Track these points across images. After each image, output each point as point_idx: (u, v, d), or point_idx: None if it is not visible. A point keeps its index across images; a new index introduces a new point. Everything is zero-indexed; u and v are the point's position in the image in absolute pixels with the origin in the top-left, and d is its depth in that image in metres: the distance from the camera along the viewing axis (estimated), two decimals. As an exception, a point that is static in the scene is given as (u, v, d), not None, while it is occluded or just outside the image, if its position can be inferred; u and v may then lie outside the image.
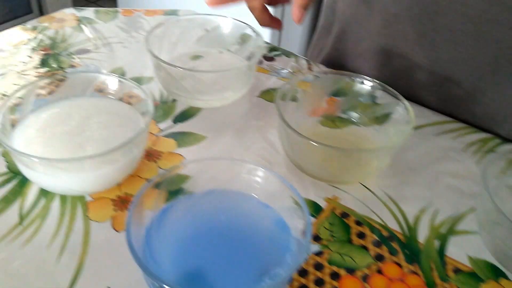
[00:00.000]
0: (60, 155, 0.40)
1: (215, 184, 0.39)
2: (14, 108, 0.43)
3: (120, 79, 0.46)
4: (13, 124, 0.43)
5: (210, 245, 0.36)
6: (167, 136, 0.50)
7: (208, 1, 0.52)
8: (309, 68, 0.63)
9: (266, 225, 0.37)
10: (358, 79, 0.49)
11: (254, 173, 0.38)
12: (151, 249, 0.35)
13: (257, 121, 0.53)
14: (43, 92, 0.46)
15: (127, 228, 0.32)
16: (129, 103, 0.46)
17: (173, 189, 0.38)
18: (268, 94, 0.57)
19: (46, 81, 0.45)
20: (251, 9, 0.56)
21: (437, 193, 0.46)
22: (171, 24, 0.57)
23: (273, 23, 0.61)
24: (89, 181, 0.40)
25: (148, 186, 0.35)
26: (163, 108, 0.53)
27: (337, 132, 0.51)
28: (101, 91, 0.47)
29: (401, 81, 0.58)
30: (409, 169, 0.48)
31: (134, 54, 0.62)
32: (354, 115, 0.51)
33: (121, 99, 0.47)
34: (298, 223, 0.35)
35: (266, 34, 1.43)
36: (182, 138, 0.49)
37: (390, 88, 0.47)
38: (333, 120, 0.52)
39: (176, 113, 0.53)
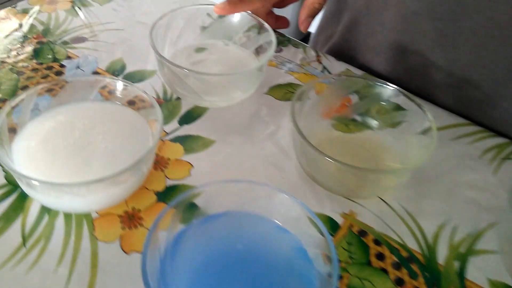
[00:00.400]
0: (65, 173, 0.37)
1: (231, 206, 0.37)
2: (12, 111, 0.40)
3: (125, 83, 0.43)
4: (12, 129, 0.40)
5: (227, 275, 0.34)
6: (173, 140, 0.47)
7: (217, 10, 0.50)
8: (318, 60, 0.60)
9: (285, 253, 0.36)
10: (378, 83, 0.47)
11: (273, 196, 0.36)
12: (165, 280, 0.33)
13: (266, 122, 0.50)
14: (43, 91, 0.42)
15: (143, 263, 0.30)
16: (133, 102, 0.43)
17: (188, 212, 0.36)
18: (277, 91, 0.54)
19: (46, 85, 0.42)
20: (256, 14, 0.54)
21: (454, 206, 0.44)
22: (175, 15, 0.53)
23: (280, 24, 0.59)
24: (95, 203, 0.37)
25: (163, 215, 0.33)
26: (168, 107, 0.50)
27: (352, 137, 0.49)
28: (104, 91, 0.44)
29: (416, 79, 0.55)
30: (426, 178, 0.47)
31: (134, 43, 0.58)
32: (369, 119, 0.49)
33: (125, 104, 0.44)
34: (319, 253, 0.34)
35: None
36: (189, 143, 0.47)
37: (414, 97, 0.45)
38: (347, 124, 0.49)
39: (181, 113, 0.50)
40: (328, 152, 0.45)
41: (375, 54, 0.59)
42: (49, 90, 0.43)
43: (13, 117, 0.41)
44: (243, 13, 0.54)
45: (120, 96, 0.43)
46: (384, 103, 0.47)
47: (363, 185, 0.42)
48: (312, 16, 0.56)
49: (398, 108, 0.47)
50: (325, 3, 0.57)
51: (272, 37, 0.51)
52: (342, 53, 0.63)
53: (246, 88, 0.50)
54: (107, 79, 0.43)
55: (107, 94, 0.44)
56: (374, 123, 0.49)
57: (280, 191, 0.35)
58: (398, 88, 0.46)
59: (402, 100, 0.46)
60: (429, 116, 0.43)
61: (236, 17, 0.55)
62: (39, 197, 0.37)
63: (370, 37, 0.59)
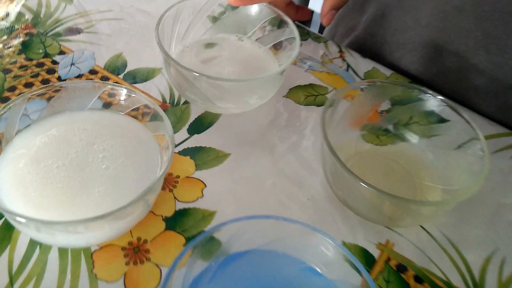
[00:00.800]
0: (59, 202, 0.31)
1: (257, 244, 0.31)
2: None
3: (130, 90, 0.37)
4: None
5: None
6: (183, 153, 0.41)
7: (231, 1, 0.43)
8: (342, 57, 0.53)
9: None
10: (416, 90, 0.41)
11: (305, 235, 0.30)
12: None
13: (287, 131, 0.45)
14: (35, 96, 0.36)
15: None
16: (138, 110, 0.38)
17: (209, 247, 0.30)
18: (297, 94, 0.48)
19: (38, 92, 0.36)
20: (274, 5, 0.48)
21: (501, 233, 0.39)
22: (183, 6, 0.46)
23: (300, 15, 0.53)
24: (95, 239, 0.32)
25: (181, 258, 0.28)
26: (175, 113, 0.45)
27: (384, 151, 0.43)
28: (104, 98, 0.38)
29: (451, 82, 0.50)
30: (467, 200, 0.41)
31: (136, 35, 0.52)
32: (404, 130, 0.43)
33: (129, 114, 0.38)
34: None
35: None
36: (200, 157, 0.41)
37: (461, 109, 0.39)
38: (378, 135, 0.44)
39: (190, 120, 0.44)
40: (359, 168, 0.40)
41: (405, 52, 0.53)
42: (42, 94, 0.37)
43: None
44: (261, 4, 0.48)
45: (123, 104, 0.37)
46: (422, 113, 0.42)
47: (402, 214, 0.37)
48: (337, 8, 0.50)
49: (439, 120, 0.41)
50: None
51: (295, 33, 0.44)
52: (366, 49, 0.57)
53: (265, 94, 0.44)
54: (109, 86, 0.37)
55: (108, 101, 0.38)
56: (409, 135, 0.43)
57: (313, 229, 0.30)
58: (441, 97, 0.40)
59: (444, 111, 0.40)
60: (480, 137, 0.37)
61: (253, 9, 0.49)
62: (27, 233, 0.31)
63: (400, 33, 0.53)
